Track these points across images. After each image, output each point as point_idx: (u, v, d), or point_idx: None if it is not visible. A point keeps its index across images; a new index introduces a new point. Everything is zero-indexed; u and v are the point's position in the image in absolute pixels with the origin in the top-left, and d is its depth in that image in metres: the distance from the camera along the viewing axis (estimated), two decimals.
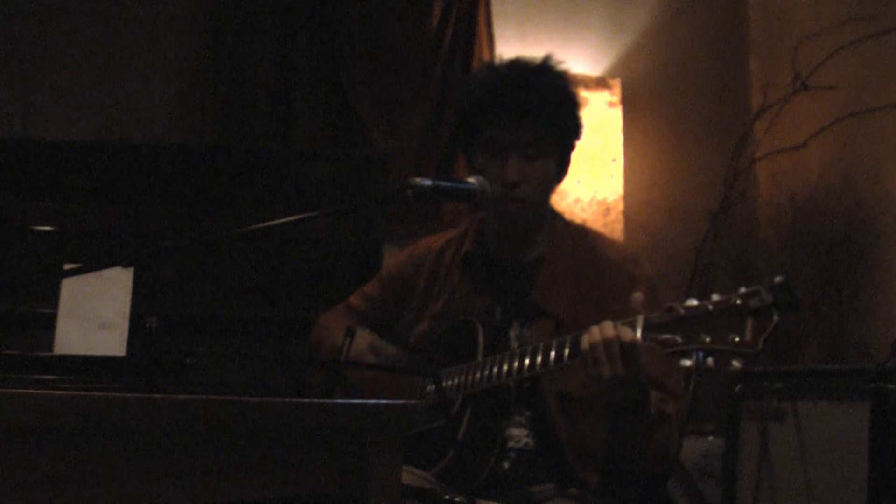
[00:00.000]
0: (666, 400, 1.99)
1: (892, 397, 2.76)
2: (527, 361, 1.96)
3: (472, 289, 2.22)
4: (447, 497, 1.98)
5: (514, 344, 2.11)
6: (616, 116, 3.98)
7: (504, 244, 2.22)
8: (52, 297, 2.13)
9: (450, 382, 2.08)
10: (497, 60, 2.24)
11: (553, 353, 1.92)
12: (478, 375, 2.03)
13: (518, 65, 2.17)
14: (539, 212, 2.19)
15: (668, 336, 1.75)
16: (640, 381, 1.88)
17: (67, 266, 1.94)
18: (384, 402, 1.56)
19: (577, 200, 3.86)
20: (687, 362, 1.74)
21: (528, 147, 2.11)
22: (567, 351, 1.91)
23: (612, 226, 3.92)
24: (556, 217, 2.26)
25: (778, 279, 1.67)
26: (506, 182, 2.10)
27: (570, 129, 2.17)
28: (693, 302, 1.74)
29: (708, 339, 1.69)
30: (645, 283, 2.03)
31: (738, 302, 1.68)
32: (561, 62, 2.19)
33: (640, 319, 1.80)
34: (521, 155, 2.11)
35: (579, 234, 2.25)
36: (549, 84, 2.14)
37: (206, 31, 3.88)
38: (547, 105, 2.12)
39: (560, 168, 2.19)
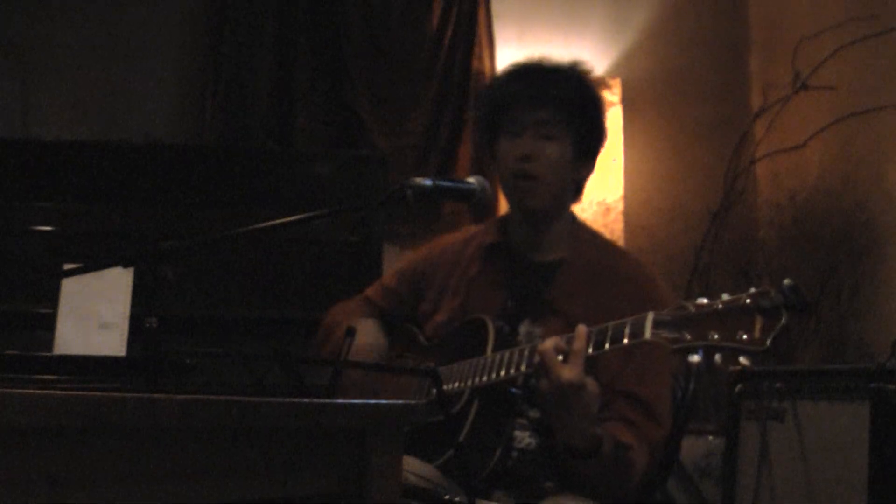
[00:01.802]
0: (636, 447, 2.00)
1: (892, 397, 2.76)
2: (526, 363, 1.97)
3: (489, 282, 2.24)
4: (447, 497, 1.98)
5: (523, 341, 2.12)
6: (616, 116, 3.99)
7: (524, 239, 2.25)
8: (52, 297, 2.13)
9: (458, 379, 2.09)
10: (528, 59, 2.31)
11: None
12: (484, 370, 2.05)
13: (543, 59, 2.26)
14: (552, 200, 2.20)
15: (676, 333, 1.76)
16: (586, 424, 1.91)
17: (67, 266, 1.94)
18: (384, 402, 1.56)
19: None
20: (695, 358, 1.75)
21: (543, 126, 2.17)
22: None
23: (612, 226, 3.92)
24: (580, 225, 2.30)
25: (787, 281, 1.68)
26: (519, 156, 2.15)
27: (587, 121, 2.21)
28: (703, 300, 1.76)
29: (716, 337, 1.70)
30: (658, 304, 2.03)
31: (748, 301, 1.69)
32: (587, 69, 2.27)
33: (650, 317, 1.81)
34: (536, 134, 2.17)
35: (604, 247, 2.29)
36: (571, 76, 2.22)
37: (206, 31, 3.88)
38: (566, 90, 2.18)
39: (577, 161, 2.21)
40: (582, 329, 1.90)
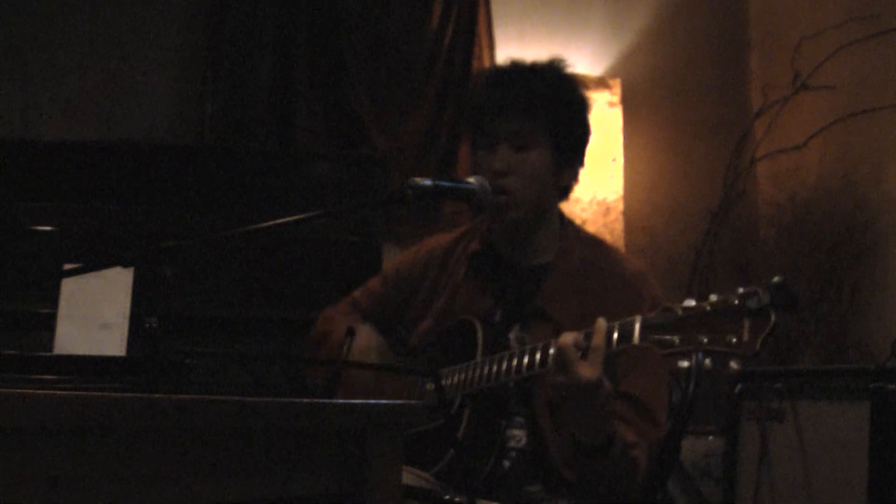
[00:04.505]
0: (639, 444, 1.99)
1: (892, 397, 2.77)
2: (525, 361, 1.96)
3: (475, 288, 2.21)
4: (447, 497, 1.98)
5: (514, 346, 2.11)
6: (616, 116, 3.99)
7: (509, 246, 2.22)
8: (52, 297, 2.13)
9: (448, 381, 2.08)
10: (502, 63, 2.26)
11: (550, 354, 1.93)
12: (476, 375, 2.04)
13: (517, 62, 2.20)
14: (534, 210, 2.16)
15: (665, 337, 1.74)
16: (600, 422, 1.90)
17: (67, 266, 1.94)
18: (384, 402, 1.56)
19: (577, 200, 3.86)
20: (685, 363, 1.74)
21: (516, 137, 2.11)
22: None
23: (612, 226, 3.92)
24: (568, 224, 2.25)
25: (776, 279, 1.67)
26: (493, 171, 2.10)
27: (565, 125, 2.15)
28: (691, 303, 1.74)
29: (705, 340, 1.69)
30: (650, 302, 2.01)
31: (736, 302, 1.67)
32: (566, 64, 2.19)
33: (638, 320, 1.80)
34: (510, 145, 2.12)
35: (592, 245, 2.24)
36: (543, 78, 2.15)
37: (206, 31, 3.88)
38: (537, 97, 2.12)
39: (558, 167, 2.16)
40: (602, 324, 1.86)
